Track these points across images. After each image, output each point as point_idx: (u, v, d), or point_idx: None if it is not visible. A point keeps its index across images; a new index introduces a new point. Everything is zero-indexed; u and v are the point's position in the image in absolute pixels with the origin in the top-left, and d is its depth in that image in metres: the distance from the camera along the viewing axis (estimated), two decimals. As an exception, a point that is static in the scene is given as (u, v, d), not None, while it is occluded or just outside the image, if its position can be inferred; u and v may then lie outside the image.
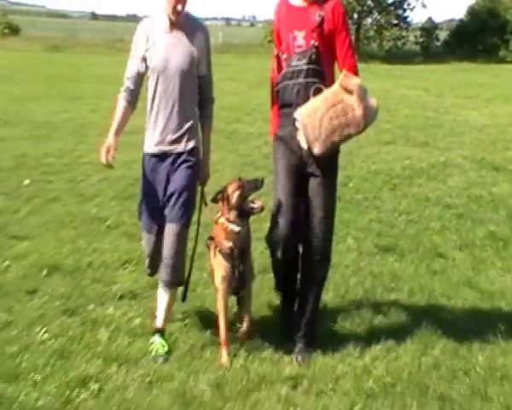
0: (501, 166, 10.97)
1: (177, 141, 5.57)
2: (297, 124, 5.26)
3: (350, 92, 5.16)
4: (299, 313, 5.84)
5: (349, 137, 5.28)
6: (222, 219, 5.47)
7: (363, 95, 5.19)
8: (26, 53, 32.81)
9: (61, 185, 10.29)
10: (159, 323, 5.65)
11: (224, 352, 5.45)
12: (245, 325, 5.73)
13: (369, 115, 5.24)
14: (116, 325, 5.83)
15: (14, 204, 8.81)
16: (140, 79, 5.63)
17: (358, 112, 5.15)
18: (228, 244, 5.43)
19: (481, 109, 16.63)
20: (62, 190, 9.96)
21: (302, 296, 5.84)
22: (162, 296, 5.66)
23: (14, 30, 48.96)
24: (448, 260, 7.63)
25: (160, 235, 5.63)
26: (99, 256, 7.39)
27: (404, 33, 50.08)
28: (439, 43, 49.73)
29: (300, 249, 5.81)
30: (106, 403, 4.80)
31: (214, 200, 5.58)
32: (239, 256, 5.47)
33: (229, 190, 5.41)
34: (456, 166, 11.82)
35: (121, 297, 6.31)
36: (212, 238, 5.66)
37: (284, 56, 5.49)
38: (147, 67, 5.53)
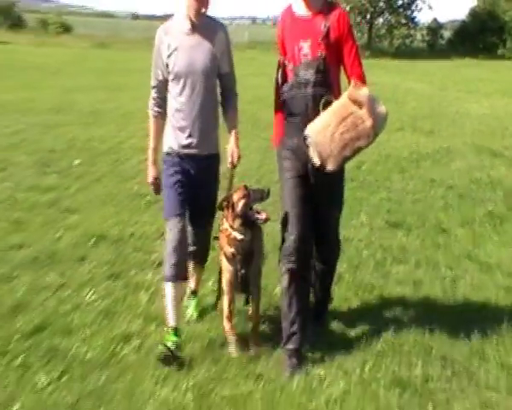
0: (498, 152, 10.94)
1: (202, 144, 5.10)
2: (308, 141, 4.67)
3: (359, 105, 4.55)
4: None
5: (360, 150, 4.68)
6: (226, 225, 5.02)
7: (372, 106, 4.57)
8: (76, 49, 32.89)
9: (106, 166, 10.32)
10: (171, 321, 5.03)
11: (229, 340, 5.09)
12: (253, 326, 5.22)
13: (378, 125, 4.61)
14: (154, 289, 5.86)
15: (65, 182, 8.83)
16: (166, 85, 5.11)
17: (368, 123, 4.53)
18: (230, 250, 5.00)
19: (481, 102, 16.50)
20: (107, 170, 9.99)
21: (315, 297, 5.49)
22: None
23: (66, 29, 49.15)
24: (451, 235, 7.57)
25: (185, 222, 5.08)
26: (140, 228, 7.42)
27: (411, 32, 49.88)
28: (443, 42, 49.42)
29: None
30: (146, 357, 4.87)
31: (220, 207, 5.08)
32: (242, 262, 5.00)
33: (235, 198, 4.94)
34: (458, 152, 11.72)
35: (159, 265, 6.24)
36: (217, 238, 5.33)
37: (290, 67, 4.97)
38: (169, 73, 5.04)
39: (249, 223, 4.94)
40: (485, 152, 10.95)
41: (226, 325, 5.15)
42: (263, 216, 4.91)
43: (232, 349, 5.05)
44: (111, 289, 5.96)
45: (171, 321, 4.95)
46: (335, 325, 5.38)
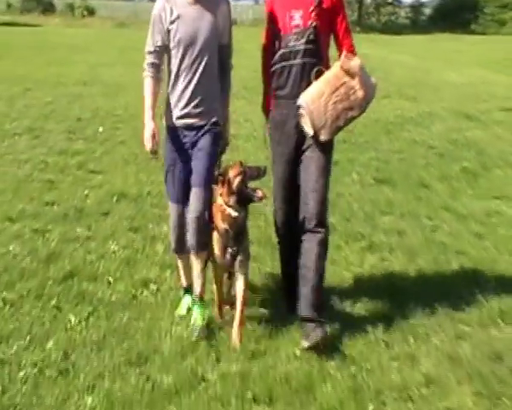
0: (473, 116, 10.89)
1: (202, 113, 4.52)
2: (302, 111, 4.27)
3: (351, 75, 4.16)
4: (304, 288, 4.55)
5: (352, 119, 4.31)
6: (220, 201, 4.41)
7: (364, 76, 4.21)
8: (99, 30, 32.59)
9: (127, 132, 10.16)
10: (197, 290, 4.65)
11: (217, 310, 4.71)
12: (238, 307, 4.50)
13: (369, 95, 4.25)
14: (169, 241, 5.79)
15: (91, 146, 8.81)
16: (164, 52, 4.53)
17: (360, 93, 4.17)
18: (223, 226, 4.39)
19: (458, 72, 16.35)
20: (128, 136, 9.85)
21: (305, 269, 4.54)
22: (194, 263, 4.64)
23: (90, 12, 48.65)
24: (431, 189, 7.57)
25: (186, 205, 4.56)
26: (156, 187, 7.36)
27: (396, 10, 49.73)
28: (424, 18, 48.96)
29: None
30: (162, 300, 4.93)
31: (215, 180, 4.48)
32: (233, 239, 4.41)
33: (231, 174, 4.34)
34: (438, 116, 11.64)
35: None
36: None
37: (280, 36, 4.45)
38: (170, 40, 4.45)
39: (244, 201, 4.41)
40: (462, 116, 10.89)
41: (216, 299, 4.74)
42: (259, 194, 4.37)
43: (217, 317, 4.71)
44: (131, 241, 5.99)
45: (183, 282, 4.91)
46: (331, 269, 5.36)
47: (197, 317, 4.53)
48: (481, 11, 33.22)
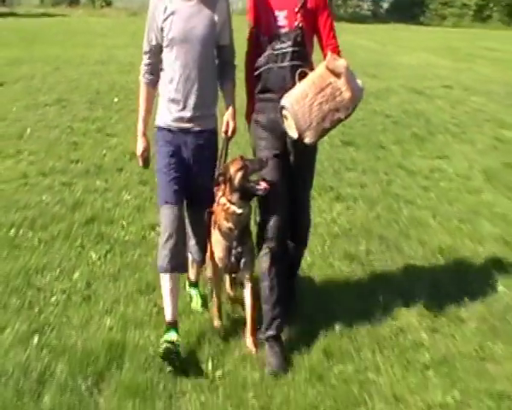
0: (421, 91, 10.82)
1: (199, 119, 3.49)
2: (285, 112, 3.32)
3: (337, 75, 3.26)
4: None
5: (339, 121, 3.34)
6: (223, 199, 3.52)
7: (350, 77, 3.29)
8: (115, 19, 31.90)
9: (138, 102, 9.92)
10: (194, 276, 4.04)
11: (214, 315, 3.77)
12: (249, 316, 3.61)
13: (356, 97, 3.31)
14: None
15: (108, 114, 8.65)
16: (159, 51, 3.48)
17: (346, 95, 3.24)
18: (227, 225, 3.50)
19: (410, 55, 16.19)
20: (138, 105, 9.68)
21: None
22: (194, 271, 4.00)
23: (108, 3, 47.57)
24: (387, 150, 7.52)
25: (181, 209, 3.58)
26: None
27: (360, 3, 49.29)
28: (383, 11, 48.56)
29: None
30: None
31: (216, 182, 3.55)
32: (238, 238, 3.52)
33: (232, 170, 3.45)
34: (394, 91, 11.49)
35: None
36: (211, 213, 3.65)
37: (265, 39, 3.48)
38: (164, 38, 3.44)
39: (248, 195, 3.50)
40: (412, 91, 10.81)
41: (215, 314, 3.77)
42: (262, 186, 3.44)
43: (217, 323, 3.74)
44: (141, 192, 5.91)
45: (168, 316, 3.49)
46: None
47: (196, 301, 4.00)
48: (427, 7, 33.07)
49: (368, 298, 4.15)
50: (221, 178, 3.51)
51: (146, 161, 3.67)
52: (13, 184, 5.90)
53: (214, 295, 3.79)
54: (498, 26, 26.18)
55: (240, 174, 3.43)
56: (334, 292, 4.18)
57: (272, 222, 3.53)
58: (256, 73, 3.55)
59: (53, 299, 3.99)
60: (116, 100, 9.85)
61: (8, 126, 7.80)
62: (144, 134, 3.63)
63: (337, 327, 3.75)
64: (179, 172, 3.53)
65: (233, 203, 3.47)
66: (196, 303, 4.00)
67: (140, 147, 3.63)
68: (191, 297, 4.06)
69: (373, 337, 3.66)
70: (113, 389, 3.16)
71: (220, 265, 3.63)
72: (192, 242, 3.79)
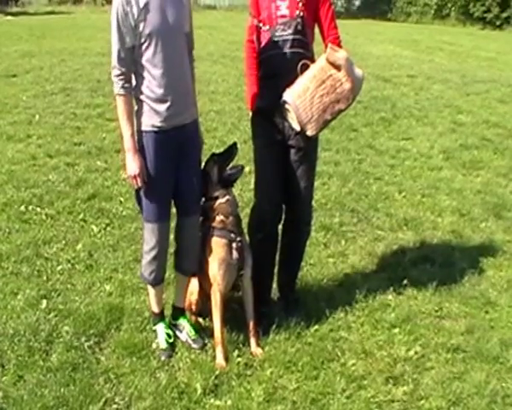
0: (388, 79, 10.66)
1: (185, 110, 2.94)
2: (287, 106, 3.06)
3: (337, 67, 2.99)
4: (282, 277, 3.64)
5: (340, 112, 3.10)
6: (207, 204, 3.13)
7: (350, 68, 3.01)
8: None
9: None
10: (179, 303, 3.32)
11: (218, 351, 3.04)
12: (249, 314, 3.19)
13: (356, 87, 3.05)
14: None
15: (108, 100, 8.16)
16: (132, 53, 2.80)
17: (346, 85, 2.99)
18: (219, 218, 3.07)
19: (378, 47, 16.03)
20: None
21: (285, 264, 3.59)
22: (182, 280, 3.27)
23: (108, 1, 46.70)
24: (358, 132, 7.38)
25: (169, 221, 3.07)
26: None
27: (335, 1, 48.89)
28: (355, 7, 48.17)
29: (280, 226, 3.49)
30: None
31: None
32: (234, 226, 3.10)
33: (207, 169, 3.12)
34: (364, 79, 11.40)
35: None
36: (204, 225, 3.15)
37: (266, 28, 3.17)
38: (140, 36, 2.77)
39: (228, 183, 3.16)
40: (380, 79, 10.65)
41: (217, 329, 3.07)
42: (238, 168, 3.16)
43: (220, 360, 3.03)
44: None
45: (155, 308, 3.22)
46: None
47: (163, 335, 3.20)
48: (394, 5, 32.83)
49: (341, 265, 4.13)
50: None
51: (141, 185, 2.90)
52: (23, 165, 5.76)
53: (216, 332, 3.08)
54: (455, 23, 26.06)
55: (215, 169, 3.11)
56: (310, 260, 4.12)
57: (263, 210, 3.34)
58: (258, 59, 3.28)
59: (59, 268, 3.95)
60: (115, 88, 9.63)
61: (20, 113, 7.59)
62: (136, 151, 2.86)
63: (313, 290, 3.73)
64: (168, 182, 2.97)
65: (216, 197, 3.10)
66: (190, 332, 3.24)
67: (137, 163, 2.84)
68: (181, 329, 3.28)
69: (345, 299, 3.63)
70: (112, 347, 3.14)
71: (224, 266, 3.05)
72: (184, 253, 3.16)
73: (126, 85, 2.84)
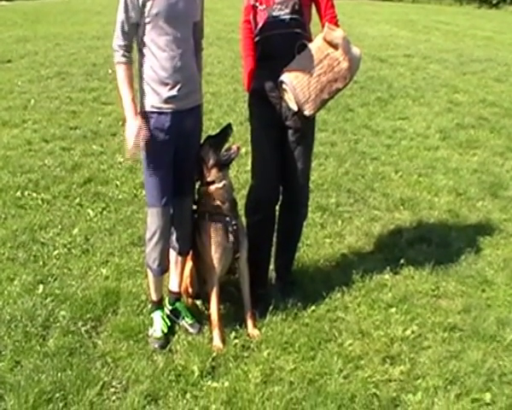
0: (384, 59, 10.55)
1: (188, 95, 2.88)
2: (285, 87, 2.98)
3: (334, 46, 2.96)
4: (280, 259, 3.59)
5: (337, 91, 3.05)
6: (202, 188, 3.07)
7: (347, 47, 2.97)
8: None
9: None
10: (175, 287, 3.27)
11: (215, 334, 3.02)
12: (246, 296, 3.18)
13: (354, 66, 3.00)
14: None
15: (103, 84, 8.28)
16: (136, 30, 2.79)
17: (344, 64, 2.95)
18: (215, 203, 3.02)
19: (374, 27, 15.84)
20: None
21: (282, 245, 3.54)
22: (178, 262, 3.23)
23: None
24: (355, 112, 7.30)
25: (169, 207, 3.01)
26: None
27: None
28: (351, -11, 47.73)
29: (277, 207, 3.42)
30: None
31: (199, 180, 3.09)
32: (230, 210, 3.05)
33: (202, 153, 3.01)
34: (356, 58, 11.28)
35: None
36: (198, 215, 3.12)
37: (263, 7, 3.06)
38: (146, 16, 2.75)
39: (224, 166, 3.06)
40: (377, 59, 10.53)
41: (213, 311, 3.07)
42: (234, 149, 3.05)
43: (217, 343, 3.01)
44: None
45: (154, 296, 3.17)
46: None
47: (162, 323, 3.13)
48: (390, -16, 32.48)
49: (337, 245, 4.09)
50: (197, 168, 3.05)
51: (143, 148, 2.81)
52: (19, 150, 5.68)
53: (213, 314, 3.07)
54: (452, 2, 25.80)
55: (210, 152, 3.01)
56: (307, 241, 4.09)
57: (259, 192, 3.27)
58: (255, 40, 3.16)
59: (55, 252, 3.90)
60: (110, 71, 9.36)
61: (15, 99, 7.49)
62: (136, 114, 2.80)
63: (310, 271, 3.70)
64: (168, 165, 2.92)
65: (212, 182, 3.02)
66: (186, 317, 3.21)
67: (136, 124, 2.76)
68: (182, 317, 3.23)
69: (342, 280, 3.60)
70: (109, 331, 3.11)
71: (220, 251, 3.03)
72: (178, 233, 3.14)
73: (127, 54, 2.82)
